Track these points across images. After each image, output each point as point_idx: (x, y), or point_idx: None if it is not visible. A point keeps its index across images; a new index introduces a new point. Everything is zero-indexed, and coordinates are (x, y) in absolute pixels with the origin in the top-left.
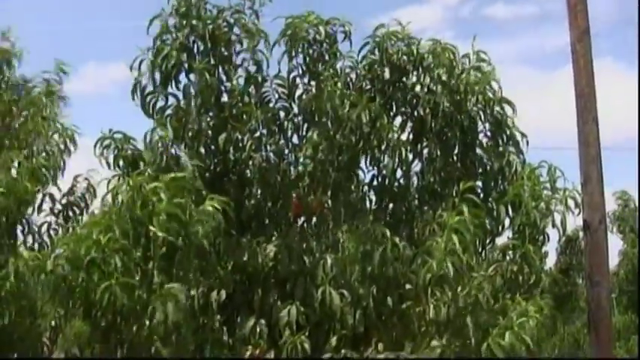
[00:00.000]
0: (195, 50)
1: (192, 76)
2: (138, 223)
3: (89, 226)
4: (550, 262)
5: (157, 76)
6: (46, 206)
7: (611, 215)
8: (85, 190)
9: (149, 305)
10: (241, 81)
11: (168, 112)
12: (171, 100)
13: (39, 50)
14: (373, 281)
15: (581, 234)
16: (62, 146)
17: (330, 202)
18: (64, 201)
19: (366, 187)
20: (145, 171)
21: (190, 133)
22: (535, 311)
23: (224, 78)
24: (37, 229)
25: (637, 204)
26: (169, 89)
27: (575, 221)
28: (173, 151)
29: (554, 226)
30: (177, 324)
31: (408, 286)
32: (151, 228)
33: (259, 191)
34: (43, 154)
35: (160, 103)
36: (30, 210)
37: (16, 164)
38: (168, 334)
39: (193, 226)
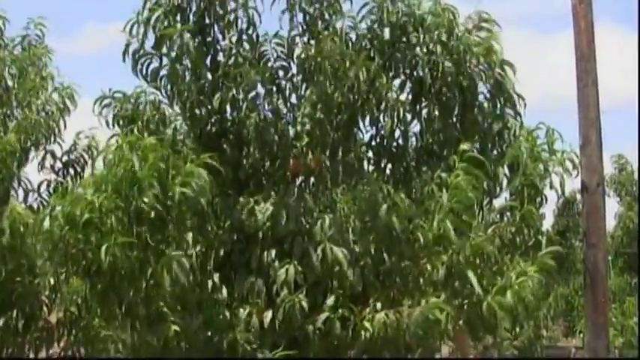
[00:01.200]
0: (189, 10)
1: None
2: (126, 187)
3: (83, 187)
4: (547, 223)
5: (151, 37)
6: (48, 164)
7: (608, 178)
8: (86, 148)
9: (145, 265)
10: (235, 40)
11: (163, 72)
12: (166, 62)
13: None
14: (373, 239)
15: (578, 196)
16: (61, 105)
17: (328, 161)
18: (65, 159)
19: (364, 147)
20: (131, 131)
21: (187, 94)
22: (535, 271)
23: (220, 37)
24: (36, 187)
25: (636, 166)
26: (164, 50)
27: (573, 183)
28: (166, 112)
29: (552, 187)
30: (183, 287)
31: (407, 245)
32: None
33: (257, 151)
34: (43, 113)
35: (155, 65)
36: (24, 166)
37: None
38: (173, 297)
39: (176, 189)
